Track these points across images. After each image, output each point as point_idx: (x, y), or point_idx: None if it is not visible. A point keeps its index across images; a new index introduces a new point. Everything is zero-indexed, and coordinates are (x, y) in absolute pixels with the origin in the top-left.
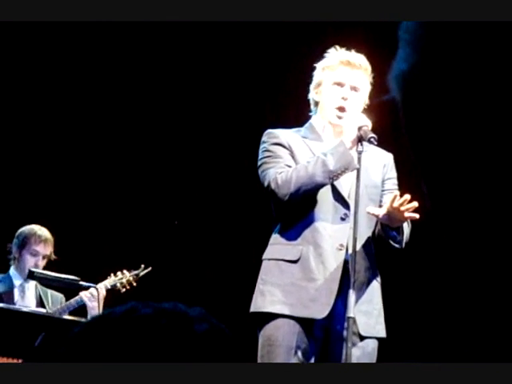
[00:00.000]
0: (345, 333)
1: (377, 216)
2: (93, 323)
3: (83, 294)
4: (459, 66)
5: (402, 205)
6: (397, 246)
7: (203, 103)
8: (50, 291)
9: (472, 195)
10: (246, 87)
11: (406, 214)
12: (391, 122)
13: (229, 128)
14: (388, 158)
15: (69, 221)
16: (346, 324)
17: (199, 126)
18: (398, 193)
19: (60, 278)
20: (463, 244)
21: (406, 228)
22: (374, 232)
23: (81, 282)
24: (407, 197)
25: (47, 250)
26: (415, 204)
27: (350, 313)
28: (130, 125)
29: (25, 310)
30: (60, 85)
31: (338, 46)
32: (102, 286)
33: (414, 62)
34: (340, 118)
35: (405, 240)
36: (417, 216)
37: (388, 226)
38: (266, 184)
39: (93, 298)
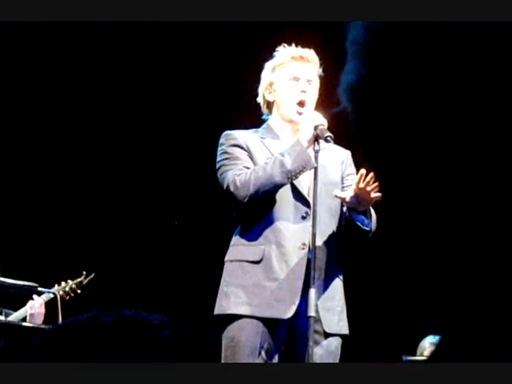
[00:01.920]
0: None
1: (343, 199)
2: (55, 332)
3: (28, 306)
4: (407, 75)
5: (367, 184)
6: (366, 228)
7: (203, 103)
8: None
9: (421, 196)
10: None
11: (373, 195)
12: (342, 133)
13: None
14: (346, 154)
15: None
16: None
17: (198, 126)
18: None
19: (18, 284)
20: (420, 241)
21: (374, 215)
22: (337, 228)
23: (39, 288)
24: (372, 175)
25: None
26: (377, 184)
27: (311, 312)
28: (121, 127)
29: None
30: (59, 85)
31: (285, 44)
32: (44, 298)
33: (363, 73)
34: (300, 113)
35: (373, 225)
36: (380, 195)
37: (355, 210)
38: (224, 186)
39: (34, 307)
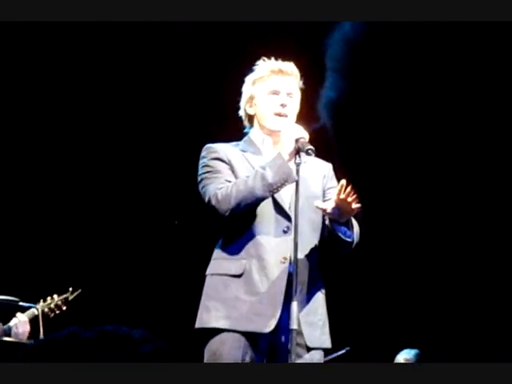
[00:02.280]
0: (289, 345)
1: (324, 210)
2: (36, 348)
3: (13, 320)
4: (386, 89)
5: (348, 195)
6: (348, 239)
7: (203, 103)
8: None
9: (401, 207)
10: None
11: (353, 206)
12: (322, 148)
13: (228, 128)
14: (327, 168)
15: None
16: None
17: (196, 126)
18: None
19: None
20: (402, 253)
21: (356, 226)
22: (319, 241)
23: (20, 303)
24: (351, 186)
25: None
26: (357, 195)
27: (294, 325)
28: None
29: None
30: (59, 85)
31: (265, 58)
32: (27, 316)
33: (342, 88)
34: (280, 122)
35: (355, 237)
36: (360, 206)
37: (337, 221)
38: (206, 200)
39: (18, 325)
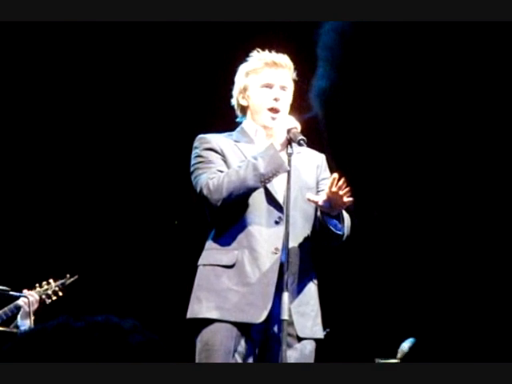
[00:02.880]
0: (281, 335)
1: (316, 203)
2: (25, 338)
3: (22, 300)
4: (378, 79)
5: (340, 188)
6: (339, 233)
7: (203, 103)
8: None
9: (393, 200)
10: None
11: (345, 199)
12: (314, 138)
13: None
14: (321, 158)
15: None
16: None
17: (196, 126)
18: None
19: None
20: (394, 245)
21: (347, 219)
22: (312, 233)
23: (11, 292)
24: (343, 179)
25: None
26: (349, 188)
27: (285, 315)
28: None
29: None
30: (59, 85)
31: (259, 49)
32: (32, 297)
33: (334, 78)
34: (274, 118)
35: (346, 230)
36: (352, 199)
37: (328, 214)
38: (198, 190)
39: (30, 304)
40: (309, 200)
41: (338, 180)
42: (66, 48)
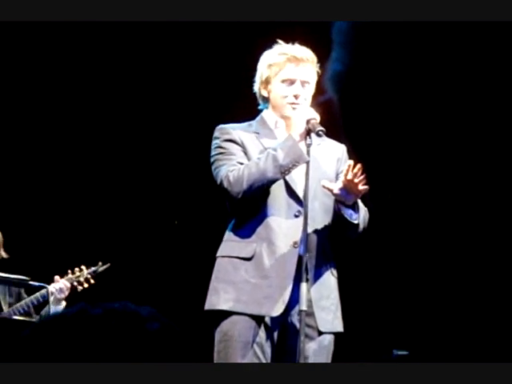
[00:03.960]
0: (298, 326)
1: (331, 190)
2: (43, 325)
3: (52, 287)
4: (392, 65)
5: (355, 176)
6: (354, 222)
7: (203, 103)
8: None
9: (410, 188)
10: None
11: (360, 187)
12: (329, 123)
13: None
14: (341, 150)
15: (28, 215)
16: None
17: (197, 126)
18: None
19: (9, 278)
20: (410, 236)
21: (364, 211)
22: (331, 225)
23: (30, 282)
24: (359, 166)
25: None
26: (364, 175)
27: (303, 306)
28: (122, 124)
29: None
30: (59, 85)
31: (281, 41)
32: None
33: (348, 62)
34: (294, 109)
35: (362, 221)
36: (367, 187)
37: (343, 203)
38: (218, 182)
39: (61, 291)
40: (324, 187)
41: (354, 167)
42: (74, 50)
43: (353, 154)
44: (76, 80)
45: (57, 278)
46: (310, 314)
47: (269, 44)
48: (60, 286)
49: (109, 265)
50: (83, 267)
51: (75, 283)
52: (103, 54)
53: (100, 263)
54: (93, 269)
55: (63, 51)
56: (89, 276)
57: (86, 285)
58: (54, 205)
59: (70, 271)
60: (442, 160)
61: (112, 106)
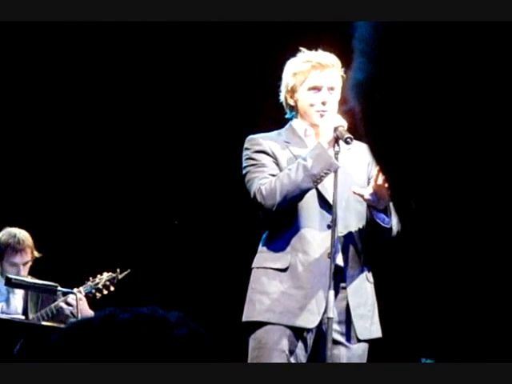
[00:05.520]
0: (336, 335)
1: (362, 196)
2: (71, 330)
3: (62, 303)
4: (415, 73)
5: (385, 181)
6: (387, 226)
7: (203, 103)
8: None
9: (435, 194)
10: (242, 85)
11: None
12: (351, 132)
13: (228, 128)
14: None
15: (50, 221)
16: (326, 324)
17: (198, 125)
18: None
19: (38, 284)
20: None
21: (395, 215)
22: (366, 232)
23: (59, 288)
24: None
25: (26, 257)
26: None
27: (330, 313)
28: (126, 125)
29: (2, 317)
30: (59, 85)
31: (304, 49)
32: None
33: (370, 71)
34: (322, 116)
35: (395, 225)
36: None
37: (375, 207)
38: (251, 195)
39: (70, 306)
40: (354, 193)
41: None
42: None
43: (376, 161)
44: (78, 81)
45: (75, 290)
46: (347, 322)
47: (292, 50)
48: (77, 295)
49: (128, 271)
50: (104, 274)
51: (94, 290)
52: (116, 56)
53: (119, 270)
54: (112, 275)
55: (64, 51)
56: (108, 283)
57: (105, 292)
58: (71, 212)
59: (90, 278)
60: (469, 167)
61: (112, 107)
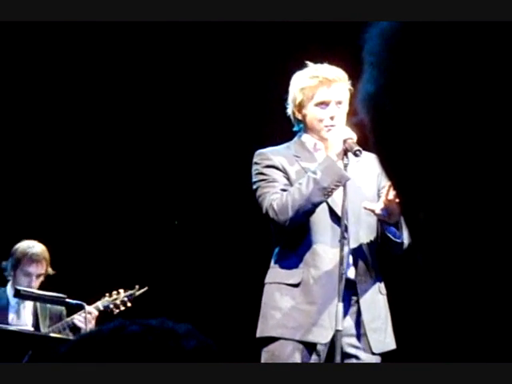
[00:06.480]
0: (349, 348)
1: (373, 211)
2: (80, 342)
3: (76, 319)
4: (425, 85)
5: (396, 196)
6: (398, 240)
7: (204, 103)
8: (49, 306)
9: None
10: (244, 86)
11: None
12: (361, 144)
13: (228, 128)
14: None
15: (65, 234)
16: (335, 337)
17: (199, 126)
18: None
19: (46, 295)
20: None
21: (405, 228)
22: (377, 244)
23: (67, 300)
24: None
25: (40, 269)
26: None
27: (339, 326)
28: (128, 127)
29: (11, 328)
30: (59, 85)
31: (310, 63)
32: (94, 308)
33: (380, 83)
34: (330, 130)
35: (406, 238)
36: None
37: (386, 222)
38: (264, 211)
39: (84, 320)
40: (365, 208)
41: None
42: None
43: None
44: (78, 81)
45: (87, 307)
46: (361, 335)
47: (299, 62)
48: (86, 314)
49: (146, 288)
50: (121, 290)
51: (111, 305)
52: (108, 55)
53: (137, 286)
54: (130, 292)
55: (64, 51)
56: (125, 299)
57: (122, 307)
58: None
59: (107, 294)
60: (480, 180)
61: (113, 108)
